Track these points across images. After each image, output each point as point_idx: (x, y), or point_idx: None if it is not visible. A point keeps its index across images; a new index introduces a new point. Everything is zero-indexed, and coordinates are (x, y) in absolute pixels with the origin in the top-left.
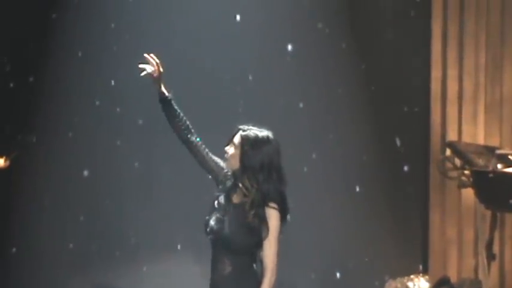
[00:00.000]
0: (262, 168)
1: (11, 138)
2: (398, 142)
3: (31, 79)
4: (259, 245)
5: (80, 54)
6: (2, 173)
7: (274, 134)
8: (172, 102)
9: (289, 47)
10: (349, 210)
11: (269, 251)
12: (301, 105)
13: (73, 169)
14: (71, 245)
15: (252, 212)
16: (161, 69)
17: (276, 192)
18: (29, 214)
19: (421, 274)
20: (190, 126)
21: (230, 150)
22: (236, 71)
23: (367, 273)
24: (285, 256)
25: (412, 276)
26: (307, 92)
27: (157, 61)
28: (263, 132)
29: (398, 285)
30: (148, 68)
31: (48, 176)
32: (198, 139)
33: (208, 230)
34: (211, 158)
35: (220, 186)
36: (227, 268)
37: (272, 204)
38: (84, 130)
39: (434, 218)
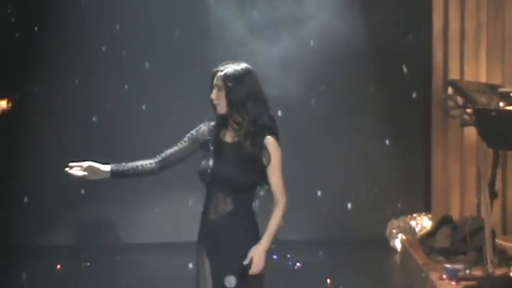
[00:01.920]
0: (249, 98)
1: (17, 87)
2: (405, 69)
3: (36, 28)
4: (259, 180)
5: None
6: (10, 120)
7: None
8: (122, 169)
9: None
10: (356, 147)
11: (274, 177)
12: (311, 42)
13: (81, 115)
14: (82, 191)
15: (249, 142)
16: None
17: (267, 116)
18: (39, 160)
19: (423, 213)
20: (148, 164)
21: (215, 94)
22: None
23: (373, 207)
24: (298, 191)
25: (414, 215)
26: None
27: (81, 165)
28: (240, 65)
29: (401, 224)
30: (77, 173)
31: (57, 123)
32: (159, 158)
33: (208, 172)
34: (183, 147)
35: (209, 144)
36: (228, 207)
37: (268, 132)
38: (91, 76)
39: (437, 156)
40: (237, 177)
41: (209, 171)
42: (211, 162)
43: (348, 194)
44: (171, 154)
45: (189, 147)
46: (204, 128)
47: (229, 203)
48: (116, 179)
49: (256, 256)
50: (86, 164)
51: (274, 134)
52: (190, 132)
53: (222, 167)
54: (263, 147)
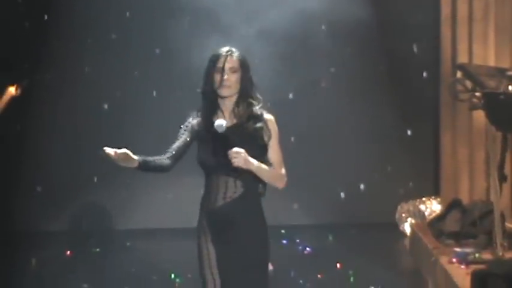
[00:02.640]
0: (252, 83)
1: (27, 76)
2: (415, 49)
3: (45, 17)
4: (264, 157)
5: None
6: (21, 108)
7: None
8: (146, 161)
9: None
10: (364, 130)
11: (274, 153)
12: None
13: (92, 103)
14: (95, 178)
15: (251, 122)
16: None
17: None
18: (49, 147)
19: (432, 197)
20: (164, 160)
21: (233, 76)
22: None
23: (382, 191)
24: (312, 175)
25: (424, 199)
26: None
27: (116, 151)
28: (242, 53)
29: (411, 207)
30: (112, 155)
31: (68, 110)
32: (169, 154)
33: (214, 159)
34: (185, 139)
35: (206, 132)
36: (238, 191)
37: (266, 112)
38: (101, 64)
39: (446, 140)
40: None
41: (215, 157)
42: (214, 149)
43: (356, 178)
44: (178, 148)
45: (189, 139)
46: (193, 120)
47: (239, 186)
48: (139, 170)
49: (243, 154)
50: (122, 150)
51: (269, 112)
52: (184, 124)
53: (229, 151)
54: (265, 127)
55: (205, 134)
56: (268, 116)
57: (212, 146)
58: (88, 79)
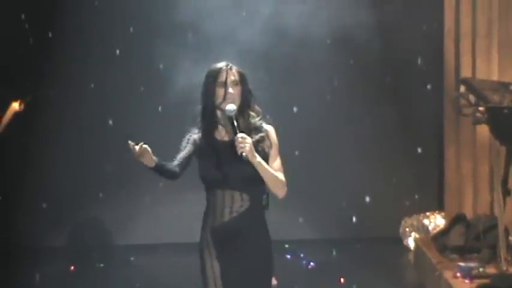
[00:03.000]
0: (251, 95)
1: (32, 92)
2: (419, 61)
3: (50, 34)
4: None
5: (96, 3)
6: (26, 124)
7: None
8: (162, 164)
9: None
10: (367, 144)
11: (275, 163)
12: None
13: (97, 118)
14: (100, 194)
15: (256, 137)
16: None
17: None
18: (54, 162)
19: (436, 211)
20: (174, 166)
21: (235, 89)
22: None
23: (386, 205)
24: (316, 189)
25: (427, 213)
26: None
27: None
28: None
29: (414, 222)
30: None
31: (73, 126)
32: (176, 162)
33: (219, 173)
34: (189, 151)
35: (207, 146)
36: (245, 204)
37: (266, 123)
38: (106, 79)
39: (450, 154)
40: (251, 170)
41: (220, 171)
42: (217, 162)
43: (360, 192)
44: (184, 158)
45: (192, 151)
46: (193, 135)
47: (246, 199)
48: (153, 170)
49: (249, 141)
50: (145, 146)
51: (269, 123)
52: (185, 137)
53: (234, 164)
54: (265, 137)
55: (207, 148)
56: (268, 127)
57: (215, 160)
58: (93, 94)
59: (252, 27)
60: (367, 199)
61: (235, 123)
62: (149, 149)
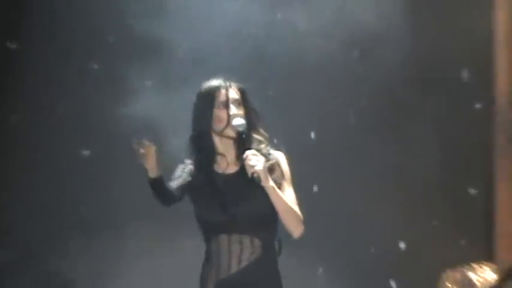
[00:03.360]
0: (257, 116)
1: None
2: (465, 74)
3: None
4: None
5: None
6: None
7: None
8: (162, 180)
9: None
10: (403, 178)
11: (289, 195)
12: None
13: (70, 148)
14: (71, 243)
15: (266, 164)
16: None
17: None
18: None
19: (485, 262)
20: (175, 191)
21: (240, 110)
22: None
23: (422, 253)
24: (339, 232)
25: (474, 266)
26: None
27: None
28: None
29: (458, 276)
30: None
31: (38, 157)
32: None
33: (226, 216)
34: (184, 181)
35: (206, 182)
36: (256, 251)
37: (274, 149)
38: (81, 98)
39: (502, 191)
40: (262, 208)
41: (225, 212)
42: (222, 201)
43: (392, 237)
44: (182, 186)
45: (188, 183)
46: (188, 165)
47: (257, 245)
48: (153, 184)
49: (262, 161)
50: (152, 146)
51: (278, 149)
52: (180, 167)
53: (242, 201)
54: (275, 165)
55: (206, 184)
56: (277, 154)
57: (218, 197)
58: (63, 118)
59: (258, 35)
60: (401, 245)
61: (244, 139)
62: (155, 152)
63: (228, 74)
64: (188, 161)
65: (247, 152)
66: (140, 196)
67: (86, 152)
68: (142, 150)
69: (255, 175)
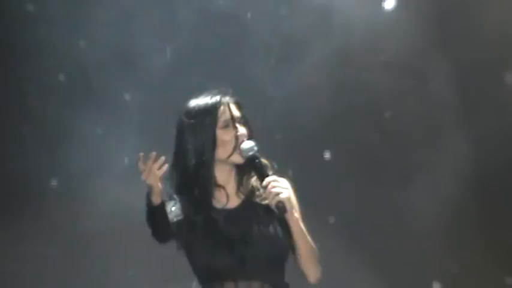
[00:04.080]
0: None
1: None
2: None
3: None
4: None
5: (31, 8)
6: None
7: None
8: (164, 209)
9: None
10: (440, 202)
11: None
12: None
13: (38, 178)
14: None
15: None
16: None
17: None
18: None
19: None
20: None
21: (244, 129)
22: None
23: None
24: (362, 270)
25: None
26: None
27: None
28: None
29: None
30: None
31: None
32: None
33: (233, 260)
34: (179, 219)
35: (200, 226)
36: None
37: (278, 175)
38: (52, 118)
39: None
40: (275, 248)
41: (232, 254)
42: (227, 242)
43: (417, 279)
44: (176, 223)
45: (182, 222)
46: (177, 204)
47: None
48: (154, 209)
49: (287, 187)
50: (161, 157)
51: (281, 176)
52: (170, 202)
53: (250, 243)
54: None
55: (204, 224)
56: (283, 179)
57: (221, 239)
58: (30, 143)
59: (258, 36)
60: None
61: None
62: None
63: (215, 84)
64: (177, 197)
65: (268, 179)
66: None
67: (54, 181)
68: (148, 165)
69: (280, 205)
